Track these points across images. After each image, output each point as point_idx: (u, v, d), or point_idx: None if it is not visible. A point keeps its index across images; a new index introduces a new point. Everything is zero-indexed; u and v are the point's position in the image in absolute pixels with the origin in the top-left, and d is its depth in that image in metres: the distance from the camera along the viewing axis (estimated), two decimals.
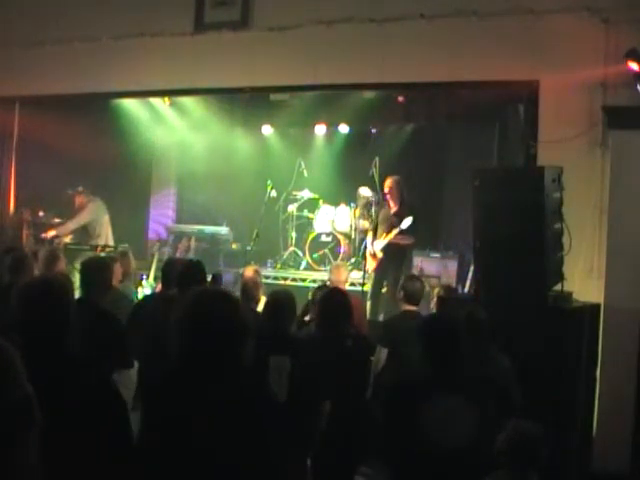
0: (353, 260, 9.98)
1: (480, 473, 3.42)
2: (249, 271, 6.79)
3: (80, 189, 9.47)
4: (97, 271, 5.04)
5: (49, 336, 2.45)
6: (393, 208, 8.44)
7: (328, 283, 6.91)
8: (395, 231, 8.20)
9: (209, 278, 5.86)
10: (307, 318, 5.89)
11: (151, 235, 11.84)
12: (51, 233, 9.29)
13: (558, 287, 5.12)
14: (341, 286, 6.40)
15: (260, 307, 5.63)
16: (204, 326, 2.52)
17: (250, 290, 5.69)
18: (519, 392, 4.31)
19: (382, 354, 5.39)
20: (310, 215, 10.55)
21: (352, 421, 4.48)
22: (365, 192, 9.92)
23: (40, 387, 1.93)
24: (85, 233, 9.50)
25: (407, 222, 8.12)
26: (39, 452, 1.90)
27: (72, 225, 9.42)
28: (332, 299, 4.79)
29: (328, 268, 8.77)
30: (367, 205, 9.82)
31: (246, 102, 9.85)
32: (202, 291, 2.69)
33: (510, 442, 3.41)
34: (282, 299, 4.58)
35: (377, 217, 8.73)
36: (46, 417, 1.90)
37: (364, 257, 8.66)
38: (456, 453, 3.36)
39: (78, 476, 2.34)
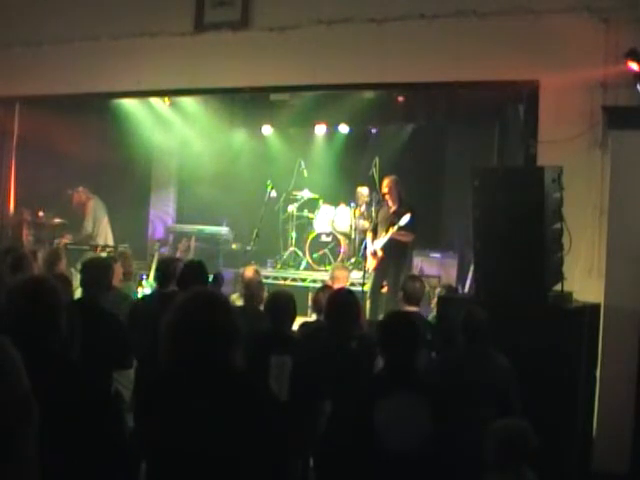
0: (353, 260, 9.98)
1: (437, 475, 3.33)
2: (249, 271, 6.79)
3: (80, 189, 9.49)
4: (98, 271, 5.06)
5: (34, 336, 2.45)
6: (392, 207, 8.45)
7: (329, 283, 6.90)
8: (394, 228, 8.21)
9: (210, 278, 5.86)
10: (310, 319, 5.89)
11: (152, 235, 11.85)
12: (64, 240, 9.30)
13: (558, 287, 5.12)
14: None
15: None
16: (190, 328, 2.52)
17: (255, 290, 5.70)
18: (519, 392, 4.32)
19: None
20: (310, 215, 10.55)
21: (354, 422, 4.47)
22: (363, 191, 9.94)
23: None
24: (82, 231, 9.55)
25: (405, 219, 8.14)
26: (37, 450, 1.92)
27: (89, 226, 9.47)
28: (339, 299, 4.79)
29: (329, 268, 8.80)
30: (366, 203, 9.84)
31: (246, 102, 9.86)
32: (191, 293, 2.69)
33: (498, 441, 3.40)
34: (282, 299, 4.58)
35: (377, 217, 8.75)
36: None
37: (364, 257, 8.67)
38: (407, 454, 3.27)
39: (72, 476, 2.34)
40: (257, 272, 6.83)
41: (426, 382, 3.58)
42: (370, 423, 3.32)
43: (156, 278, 5.84)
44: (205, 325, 2.52)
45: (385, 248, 8.35)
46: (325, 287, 6.40)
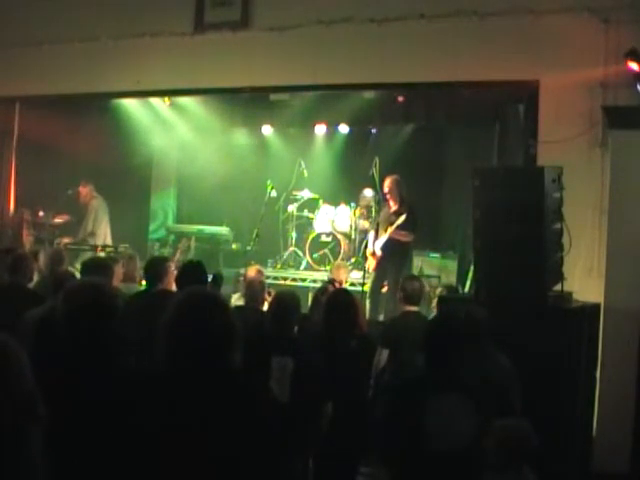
0: (353, 260, 9.98)
1: (479, 473, 3.41)
2: (252, 271, 6.77)
3: (88, 185, 9.51)
4: (97, 271, 5.04)
5: (102, 346, 2.42)
6: (393, 207, 8.44)
7: (336, 284, 6.88)
8: (392, 228, 8.21)
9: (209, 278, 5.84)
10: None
11: (152, 235, 11.85)
12: (65, 240, 9.31)
13: (558, 287, 5.12)
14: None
15: (265, 307, 5.63)
16: (186, 329, 2.51)
17: (256, 291, 5.69)
18: (519, 392, 4.31)
19: (383, 355, 5.38)
20: (310, 215, 10.55)
21: (354, 422, 4.47)
22: (368, 193, 9.94)
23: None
24: (81, 229, 9.57)
25: (401, 219, 8.13)
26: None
27: (89, 225, 9.50)
28: (337, 299, 4.78)
29: (329, 268, 8.79)
30: (369, 206, 9.85)
31: (246, 102, 9.86)
32: (187, 293, 2.68)
33: (498, 442, 3.40)
34: (287, 300, 4.57)
35: (378, 217, 8.75)
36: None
37: (364, 257, 8.66)
38: (456, 453, 3.35)
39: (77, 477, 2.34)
40: (260, 272, 6.81)
41: (470, 383, 3.62)
42: (420, 424, 3.36)
43: (145, 278, 5.74)
44: (201, 325, 2.51)
45: (385, 248, 8.33)
46: (325, 288, 6.37)
